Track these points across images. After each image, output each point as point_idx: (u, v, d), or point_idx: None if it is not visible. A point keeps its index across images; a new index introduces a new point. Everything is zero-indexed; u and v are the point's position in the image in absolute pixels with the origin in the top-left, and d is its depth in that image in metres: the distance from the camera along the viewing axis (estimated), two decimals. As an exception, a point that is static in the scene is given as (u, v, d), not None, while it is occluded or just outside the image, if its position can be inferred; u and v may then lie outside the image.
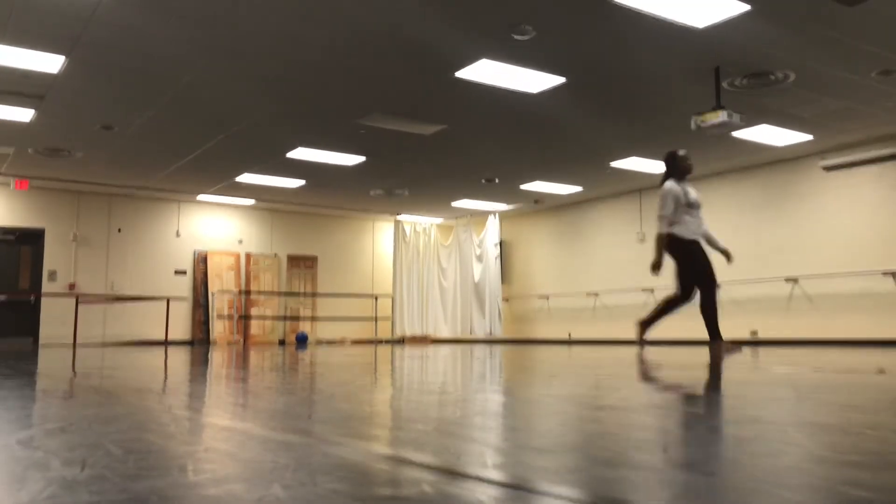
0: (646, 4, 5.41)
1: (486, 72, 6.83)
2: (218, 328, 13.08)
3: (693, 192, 5.61)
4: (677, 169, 5.68)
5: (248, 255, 13.81)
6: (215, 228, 13.57)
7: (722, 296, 11.23)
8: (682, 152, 5.74)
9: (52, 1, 5.29)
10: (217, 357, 5.03)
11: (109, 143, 9.30)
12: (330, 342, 13.53)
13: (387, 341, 14.21)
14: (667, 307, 5.50)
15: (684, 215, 5.51)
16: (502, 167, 10.86)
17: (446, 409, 1.55)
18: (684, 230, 5.52)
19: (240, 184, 11.74)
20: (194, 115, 8.16)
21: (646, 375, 2.73)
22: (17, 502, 0.67)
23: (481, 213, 14.56)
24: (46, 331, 11.74)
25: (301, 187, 11.95)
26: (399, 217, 14.75)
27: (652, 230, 12.44)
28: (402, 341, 14.29)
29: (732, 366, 3.35)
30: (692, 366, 3.30)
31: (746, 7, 5.46)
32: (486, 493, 0.71)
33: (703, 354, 5.11)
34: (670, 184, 5.59)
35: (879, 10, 5.51)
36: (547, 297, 14.42)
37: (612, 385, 2.23)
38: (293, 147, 9.61)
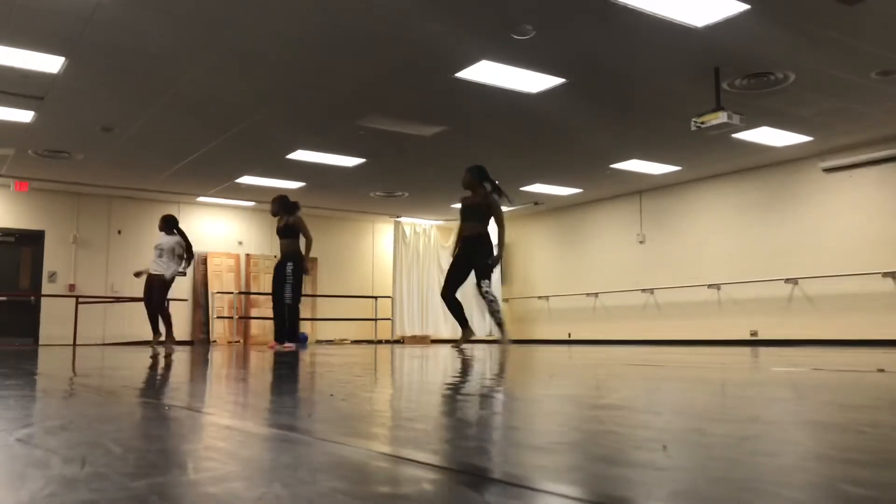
0: (645, 3, 5.41)
1: (485, 73, 6.84)
2: (218, 329, 13.09)
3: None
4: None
5: (248, 257, 13.81)
6: (215, 230, 13.57)
7: (721, 296, 11.23)
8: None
9: (52, 1, 5.29)
10: (217, 357, 5.02)
11: (109, 145, 9.30)
12: (330, 342, 13.52)
13: (386, 341, 14.21)
14: None
15: None
16: (502, 169, 10.85)
17: (446, 407, 1.55)
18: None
19: (240, 185, 11.75)
20: (194, 116, 8.16)
21: (641, 375, 2.73)
22: (17, 500, 0.67)
23: (481, 214, 14.53)
24: (46, 331, 11.74)
25: (301, 189, 11.95)
26: (399, 218, 14.75)
27: (652, 231, 12.44)
28: (401, 341, 14.28)
29: (733, 365, 3.35)
30: (690, 365, 3.31)
31: (746, 6, 5.46)
32: (487, 490, 0.71)
33: (704, 353, 5.11)
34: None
35: (879, 10, 5.51)
36: (547, 298, 14.42)
37: (611, 385, 2.23)
38: (293, 149, 9.61)
